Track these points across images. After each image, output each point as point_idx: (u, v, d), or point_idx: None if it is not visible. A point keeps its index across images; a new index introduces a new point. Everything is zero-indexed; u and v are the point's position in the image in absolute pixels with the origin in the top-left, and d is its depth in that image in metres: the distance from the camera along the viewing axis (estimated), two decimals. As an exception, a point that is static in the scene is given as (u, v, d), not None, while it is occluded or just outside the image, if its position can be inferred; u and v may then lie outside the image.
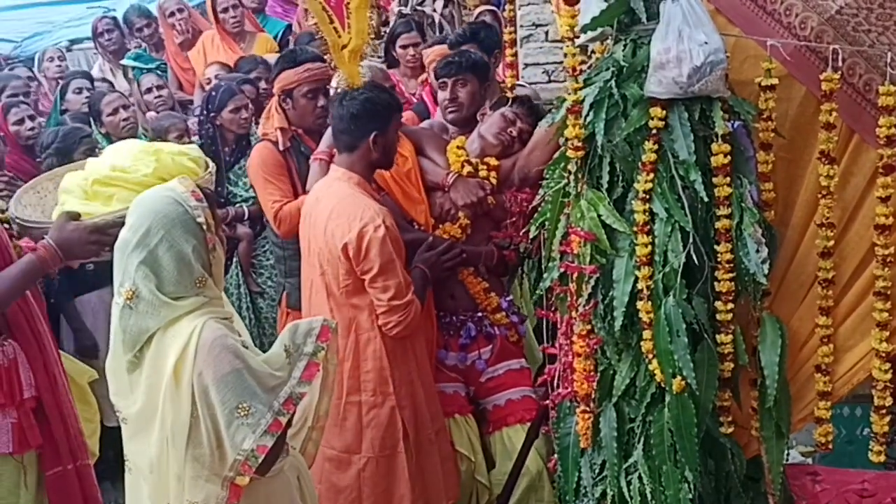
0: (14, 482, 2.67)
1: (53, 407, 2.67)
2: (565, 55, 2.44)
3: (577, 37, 2.43)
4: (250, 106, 4.62)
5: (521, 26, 5.43)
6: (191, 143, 4.63)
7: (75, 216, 2.54)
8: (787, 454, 2.57)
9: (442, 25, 5.79)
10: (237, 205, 4.60)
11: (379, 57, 5.56)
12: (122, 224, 2.23)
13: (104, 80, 5.96)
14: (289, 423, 2.24)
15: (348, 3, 3.33)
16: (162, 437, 2.13)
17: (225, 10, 5.90)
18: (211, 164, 2.75)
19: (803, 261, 2.49)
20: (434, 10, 5.81)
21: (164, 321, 2.14)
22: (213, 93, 4.67)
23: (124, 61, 6.27)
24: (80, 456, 2.73)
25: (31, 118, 4.88)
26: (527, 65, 5.17)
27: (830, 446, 2.50)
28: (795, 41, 2.39)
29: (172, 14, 6.15)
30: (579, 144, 2.46)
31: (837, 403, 2.76)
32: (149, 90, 5.46)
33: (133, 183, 2.53)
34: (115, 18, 6.50)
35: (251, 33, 5.93)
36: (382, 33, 5.70)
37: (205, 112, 4.66)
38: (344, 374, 3.07)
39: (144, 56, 6.32)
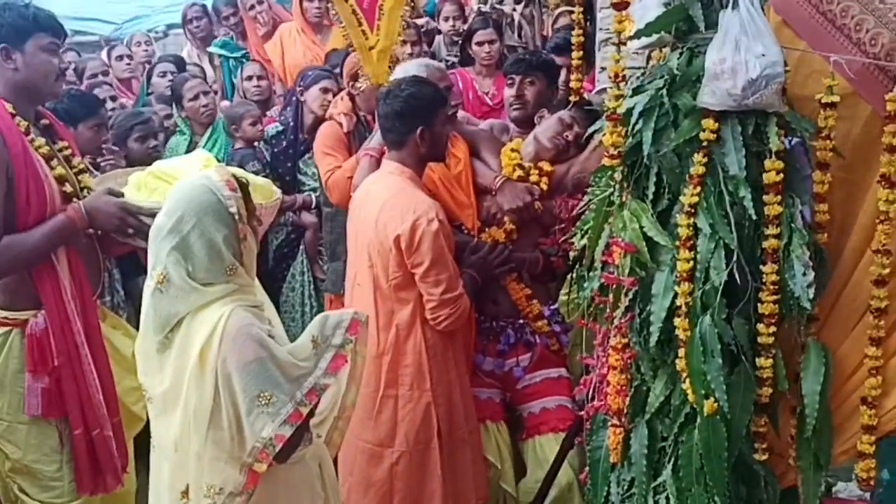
0: (53, 445, 2.85)
1: (70, 377, 2.80)
2: (615, 61, 2.39)
3: (624, 43, 2.38)
4: (335, 94, 4.68)
5: (601, 29, 5.33)
6: (263, 130, 4.75)
7: (116, 193, 2.78)
8: (832, 487, 2.46)
9: (521, 25, 5.76)
10: (305, 192, 4.67)
11: (456, 55, 5.56)
12: (153, 214, 2.30)
13: (197, 65, 6.11)
14: (311, 413, 2.26)
15: (381, 5, 3.40)
16: (185, 419, 2.18)
17: None
18: (278, 191, 2.85)
19: (856, 287, 2.37)
20: (514, 10, 5.77)
21: (194, 306, 2.18)
22: (309, 72, 4.77)
23: (211, 48, 6.42)
24: (98, 425, 2.85)
25: (113, 99, 5.06)
26: (603, 69, 5.06)
27: (872, 483, 2.38)
28: (862, 58, 2.28)
29: (252, 6, 6.25)
30: (615, 153, 2.40)
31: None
32: (249, 78, 5.45)
33: (177, 180, 2.64)
34: (204, 6, 6.67)
35: (327, 26, 5.99)
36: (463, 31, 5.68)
37: (295, 88, 4.72)
38: (383, 367, 3.08)
39: (230, 44, 6.46)
